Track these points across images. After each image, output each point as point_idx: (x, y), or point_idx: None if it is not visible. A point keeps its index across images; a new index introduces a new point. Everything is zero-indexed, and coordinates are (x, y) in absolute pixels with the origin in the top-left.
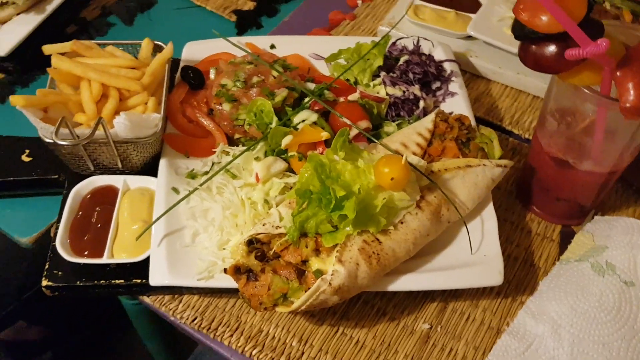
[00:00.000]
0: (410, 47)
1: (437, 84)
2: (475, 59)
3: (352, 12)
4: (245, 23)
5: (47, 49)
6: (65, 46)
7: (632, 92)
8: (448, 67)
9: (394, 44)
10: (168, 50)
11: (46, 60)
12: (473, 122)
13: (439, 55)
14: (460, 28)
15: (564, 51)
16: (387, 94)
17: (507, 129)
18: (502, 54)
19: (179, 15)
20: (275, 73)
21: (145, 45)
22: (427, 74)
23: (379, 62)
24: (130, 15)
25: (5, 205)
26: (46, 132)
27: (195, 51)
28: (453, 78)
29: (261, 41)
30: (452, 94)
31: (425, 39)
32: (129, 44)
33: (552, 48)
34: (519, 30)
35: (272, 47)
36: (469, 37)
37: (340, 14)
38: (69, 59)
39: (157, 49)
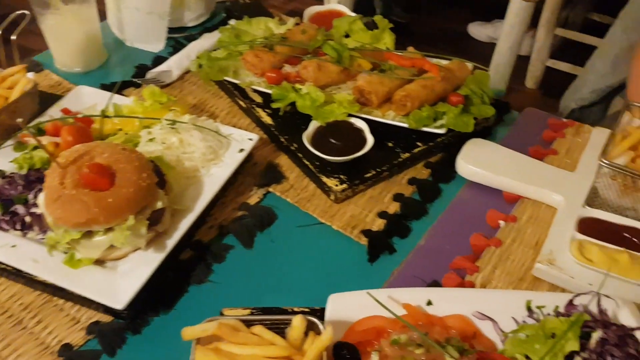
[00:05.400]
0: (591, 306)
1: None
2: None
3: (495, 235)
4: (377, 247)
5: (186, 333)
6: (208, 329)
7: None
8: None
9: (571, 303)
10: (327, 337)
11: (161, 301)
12: None
13: (626, 319)
14: (637, 274)
15: None
16: None
17: None
18: None
19: (303, 234)
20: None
21: (298, 324)
22: (628, 356)
23: (574, 346)
24: (250, 234)
25: None
26: None
27: (340, 306)
28: None
29: (416, 295)
30: None
31: (608, 297)
32: (282, 320)
33: None
34: None
35: (429, 303)
36: None
37: (483, 238)
38: (214, 354)
39: (310, 326)
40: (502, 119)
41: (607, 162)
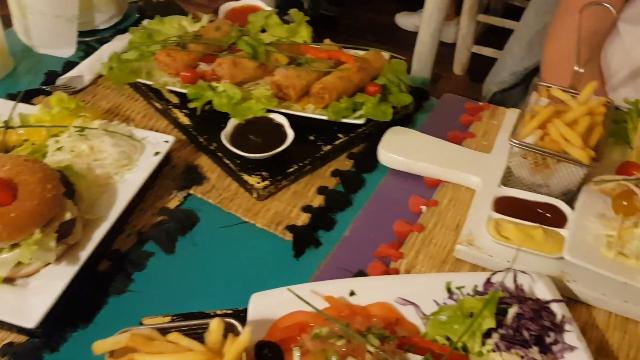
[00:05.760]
0: (508, 282)
1: (552, 337)
2: (573, 284)
3: (417, 221)
4: (302, 242)
5: (97, 347)
6: (120, 341)
7: None
8: (557, 309)
9: (489, 281)
10: (245, 338)
11: (79, 315)
12: None
13: (541, 292)
14: (551, 249)
15: None
16: None
17: None
18: (604, 279)
19: (227, 235)
20: (371, 348)
21: (215, 328)
22: (543, 328)
23: (490, 323)
24: (171, 239)
25: None
26: None
27: (263, 305)
28: (567, 326)
29: (339, 287)
30: (571, 348)
31: (524, 272)
32: (200, 325)
33: None
34: None
35: (352, 294)
36: (562, 257)
37: (406, 224)
38: None
39: (229, 328)
40: (422, 106)
41: (516, 141)
